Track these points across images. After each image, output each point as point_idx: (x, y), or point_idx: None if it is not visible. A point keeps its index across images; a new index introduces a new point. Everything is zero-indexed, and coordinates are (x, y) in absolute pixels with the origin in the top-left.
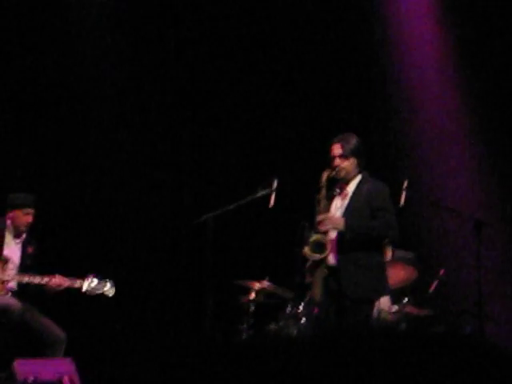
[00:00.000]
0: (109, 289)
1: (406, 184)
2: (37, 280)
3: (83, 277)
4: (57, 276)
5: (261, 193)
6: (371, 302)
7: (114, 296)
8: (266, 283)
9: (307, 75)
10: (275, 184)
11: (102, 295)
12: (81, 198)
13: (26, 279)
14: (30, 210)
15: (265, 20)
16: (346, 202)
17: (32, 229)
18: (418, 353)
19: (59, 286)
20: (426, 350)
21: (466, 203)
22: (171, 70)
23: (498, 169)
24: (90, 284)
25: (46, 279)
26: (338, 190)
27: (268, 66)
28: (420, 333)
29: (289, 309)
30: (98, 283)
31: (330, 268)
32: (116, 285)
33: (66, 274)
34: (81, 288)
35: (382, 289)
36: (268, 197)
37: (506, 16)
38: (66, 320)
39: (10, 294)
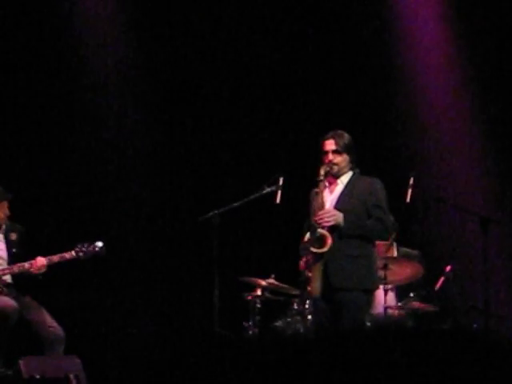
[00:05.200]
0: (100, 247)
1: (412, 181)
2: (21, 267)
3: (72, 248)
4: (37, 259)
5: (267, 190)
6: (364, 292)
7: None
8: (271, 280)
9: (313, 73)
10: (281, 181)
11: (97, 256)
12: (88, 193)
13: (16, 269)
14: (5, 204)
15: (263, 24)
16: (336, 196)
17: (11, 216)
18: (425, 349)
19: (40, 268)
20: (432, 346)
21: (473, 200)
22: (180, 65)
23: (504, 165)
24: (80, 249)
25: (27, 265)
26: (327, 184)
27: (274, 63)
28: (426, 329)
29: (295, 306)
30: (88, 245)
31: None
32: (106, 244)
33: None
34: (73, 257)
35: (370, 279)
36: (274, 194)
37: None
38: (72, 317)
39: (5, 289)
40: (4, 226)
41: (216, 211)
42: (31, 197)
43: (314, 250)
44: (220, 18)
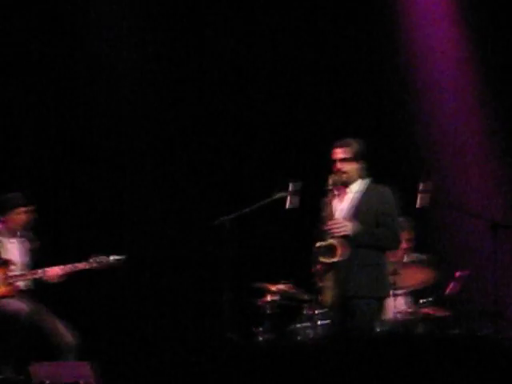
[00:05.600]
0: (115, 258)
1: (422, 187)
2: (34, 275)
3: (86, 259)
4: (51, 268)
5: (277, 195)
6: (374, 299)
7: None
8: (284, 286)
9: (327, 77)
10: (291, 187)
11: (112, 267)
12: (100, 201)
13: (29, 276)
14: (23, 209)
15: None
16: (348, 205)
17: (30, 226)
18: (436, 354)
19: (53, 276)
20: (443, 351)
21: (483, 205)
22: (191, 70)
23: None
24: (95, 260)
25: (41, 273)
26: (336, 193)
27: (286, 69)
28: (438, 334)
29: (306, 311)
30: (103, 257)
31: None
32: (117, 250)
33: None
34: (86, 268)
35: (382, 287)
36: (284, 199)
37: None
38: (83, 324)
39: (19, 294)
40: (21, 234)
41: (227, 216)
42: (50, 209)
43: (323, 259)
44: (232, 22)
